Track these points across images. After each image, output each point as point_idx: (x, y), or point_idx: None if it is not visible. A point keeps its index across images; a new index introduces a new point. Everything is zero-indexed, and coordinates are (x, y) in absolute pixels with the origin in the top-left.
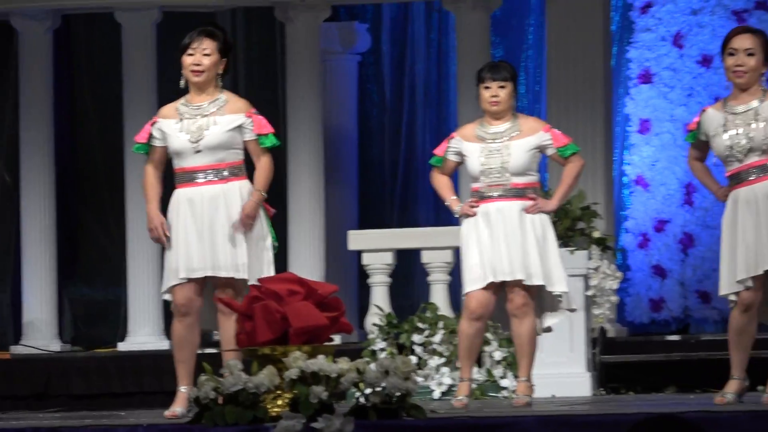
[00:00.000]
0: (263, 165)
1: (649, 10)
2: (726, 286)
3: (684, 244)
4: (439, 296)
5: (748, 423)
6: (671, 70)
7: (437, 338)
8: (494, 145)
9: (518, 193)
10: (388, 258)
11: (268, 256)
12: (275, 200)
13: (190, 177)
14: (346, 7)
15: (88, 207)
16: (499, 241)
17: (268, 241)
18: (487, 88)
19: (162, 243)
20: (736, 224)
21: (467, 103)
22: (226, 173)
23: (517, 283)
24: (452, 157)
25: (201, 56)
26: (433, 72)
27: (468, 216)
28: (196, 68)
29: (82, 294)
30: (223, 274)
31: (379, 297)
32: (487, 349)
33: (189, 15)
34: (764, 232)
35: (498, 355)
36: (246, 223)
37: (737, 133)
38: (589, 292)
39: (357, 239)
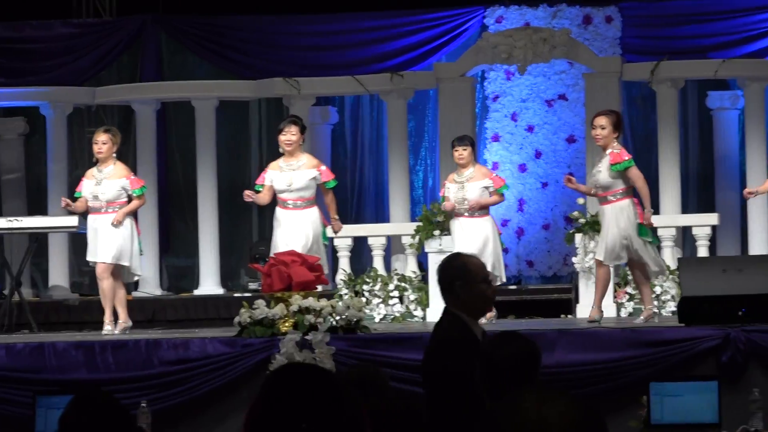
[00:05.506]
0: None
1: (497, 99)
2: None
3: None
4: (378, 263)
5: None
6: (510, 134)
7: (377, 287)
8: (459, 184)
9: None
10: (349, 241)
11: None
12: None
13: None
14: (324, 97)
15: None
16: None
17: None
18: (456, 150)
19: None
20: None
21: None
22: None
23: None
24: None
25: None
26: (374, 135)
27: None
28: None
29: None
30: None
31: (344, 263)
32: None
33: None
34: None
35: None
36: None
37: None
38: None
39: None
